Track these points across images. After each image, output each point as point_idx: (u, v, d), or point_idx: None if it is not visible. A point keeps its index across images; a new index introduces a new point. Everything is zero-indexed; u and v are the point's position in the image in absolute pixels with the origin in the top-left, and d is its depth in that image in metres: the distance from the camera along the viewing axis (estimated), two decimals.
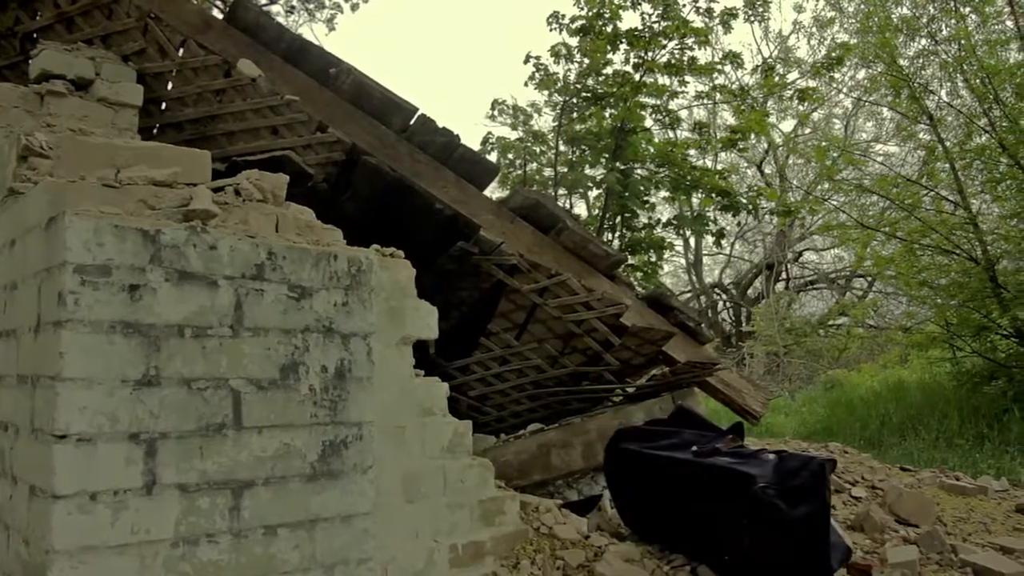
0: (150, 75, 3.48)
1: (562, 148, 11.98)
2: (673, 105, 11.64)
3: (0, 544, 1.94)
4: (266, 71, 3.38)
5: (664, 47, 10.61)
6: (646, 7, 10.53)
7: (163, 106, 3.67)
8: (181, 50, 3.43)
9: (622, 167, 10.41)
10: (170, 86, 3.58)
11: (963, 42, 9.95)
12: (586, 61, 10.89)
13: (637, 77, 10.46)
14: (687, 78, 11.09)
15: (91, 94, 3.23)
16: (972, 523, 3.48)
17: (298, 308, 1.97)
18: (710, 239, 12.99)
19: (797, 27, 21.56)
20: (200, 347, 1.80)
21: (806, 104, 12.36)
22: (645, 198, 10.72)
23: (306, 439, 1.95)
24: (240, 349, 1.86)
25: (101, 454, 1.66)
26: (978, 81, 9.70)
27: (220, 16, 3.53)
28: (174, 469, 1.75)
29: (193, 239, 1.83)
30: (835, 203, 14.25)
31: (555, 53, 11.30)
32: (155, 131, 3.71)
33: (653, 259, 10.77)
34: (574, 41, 11.02)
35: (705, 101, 14.17)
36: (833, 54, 11.97)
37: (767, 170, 19.61)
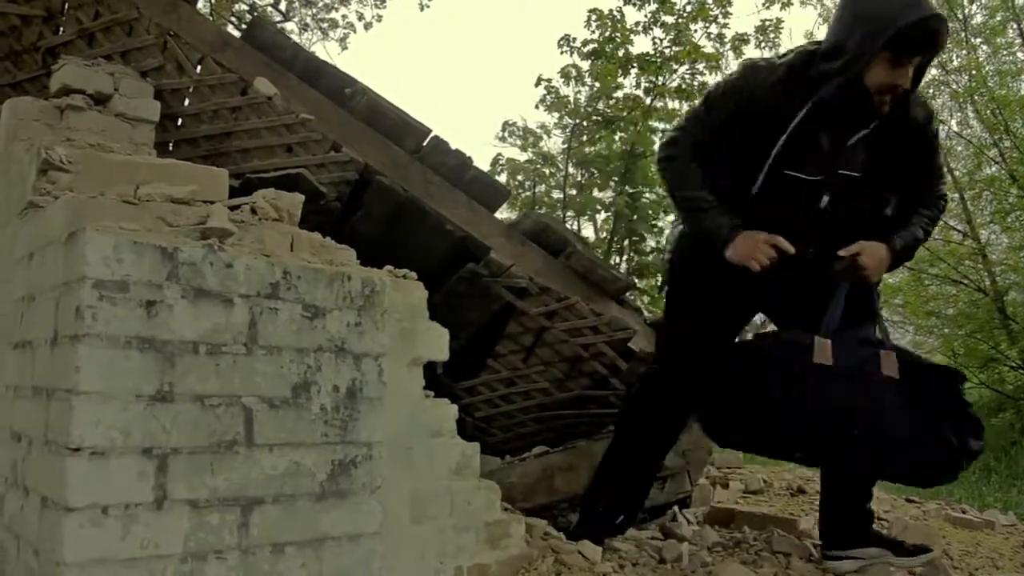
0: (167, 91, 3.52)
1: (571, 170, 12.02)
2: None
3: (10, 555, 1.95)
4: (282, 90, 3.41)
5: (675, 72, 10.66)
6: (657, 32, 10.59)
7: (179, 122, 3.71)
8: (199, 67, 3.47)
9: (631, 191, 10.44)
10: (187, 102, 3.62)
11: (974, 72, 10.00)
12: (597, 84, 10.95)
13: (648, 101, 10.51)
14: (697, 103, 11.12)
15: (109, 109, 3.27)
16: (979, 557, 3.46)
17: (311, 327, 1.98)
18: None
19: None
20: (214, 364, 1.82)
21: None
22: (654, 222, 10.74)
23: (316, 458, 1.96)
24: (253, 367, 1.88)
25: (114, 468, 1.67)
26: (989, 112, 9.74)
27: (237, 34, 3.58)
28: (185, 485, 1.77)
29: (210, 257, 1.85)
30: None
31: (566, 75, 11.35)
32: (171, 147, 3.75)
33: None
34: (585, 64, 11.08)
35: None
36: None
37: None
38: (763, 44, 11.68)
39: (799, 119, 2.60)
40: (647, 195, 10.60)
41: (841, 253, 2.65)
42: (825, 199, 2.68)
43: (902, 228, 2.77)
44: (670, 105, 10.65)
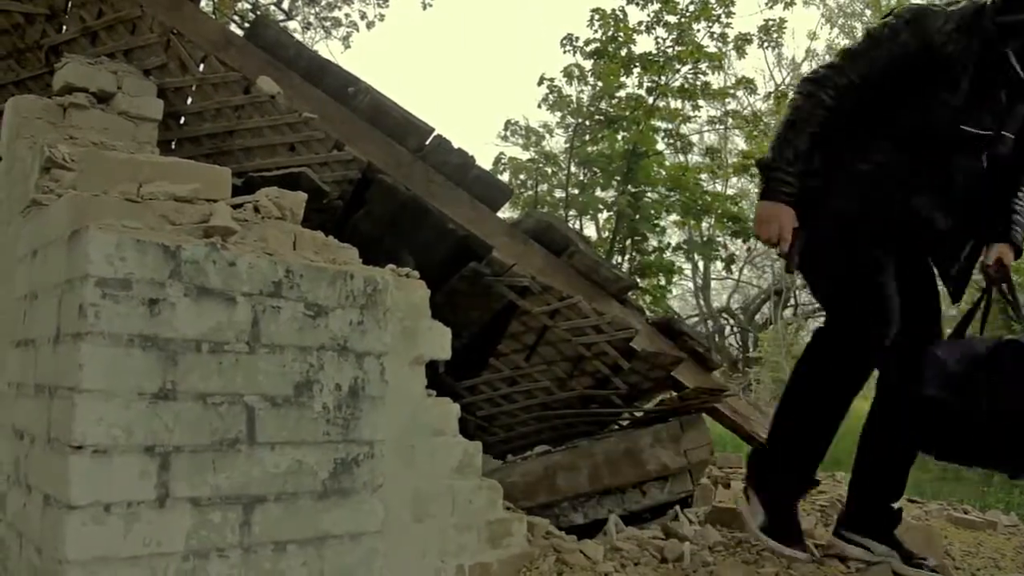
0: (170, 90, 3.53)
1: (573, 170, 12.01)
2: (685, 129, 11.66)
3: (12, 552, 1.95)
4: (285, 88, 3.42)
5: (678, 71, 10.66)
6: (660, 31, 10.59)
7: (182, 120, 3.71)
8: (202, 66, 3.47)
9: (633, 190, 10.43)
10: (190, 101, 3.62)
11: None
12: (599, 84, 10.95)
13: (650, 101, 10.50)
14: (700, 103, 11.14)
15: (112, 107, 3.27)
16: (981, 558, 3.46)
17: (314, 326, 1.98)
18: (719, 264, 12.98)
19: (810, 54, 21.64)
20: (217, 362, 1.82)
21: None
22: (656, 222, 10.74)
23: (318, 456, 1.96)
24: (256, 365, 1.88)
25: (116, 466, 1.67)
26: None
27: (240, 33, 3.58)
28: (187, 483, 1.77)
29: (213, 255, 1.85)
30: None
31: (568, 75, 11.35)
32: (174, 145, 3.75)
33: (663, 283, 10.76)
34: (588, 64, 11.08)
35: (717, 126, 14.22)
36: None
37: None
38: (766, 44, 11.70)
39: (981, 71, 2.46)
40: (649, 195, 10.61)
41: (989, 262, 2.63)
42: (984, 158, 2.54)
43: (1007, 218, 2.67)
44: (672, 105, 10.66)
